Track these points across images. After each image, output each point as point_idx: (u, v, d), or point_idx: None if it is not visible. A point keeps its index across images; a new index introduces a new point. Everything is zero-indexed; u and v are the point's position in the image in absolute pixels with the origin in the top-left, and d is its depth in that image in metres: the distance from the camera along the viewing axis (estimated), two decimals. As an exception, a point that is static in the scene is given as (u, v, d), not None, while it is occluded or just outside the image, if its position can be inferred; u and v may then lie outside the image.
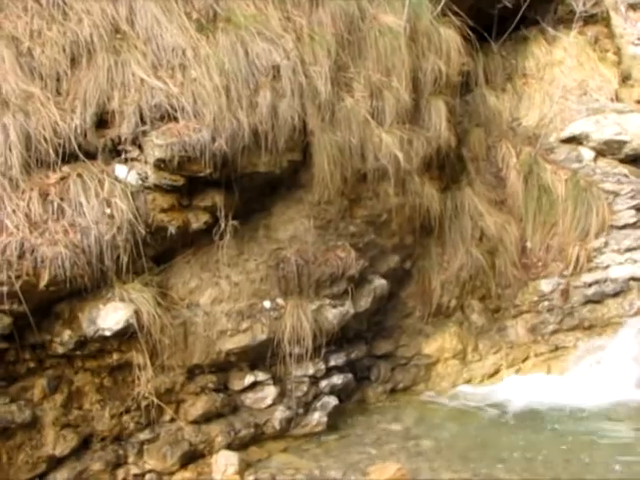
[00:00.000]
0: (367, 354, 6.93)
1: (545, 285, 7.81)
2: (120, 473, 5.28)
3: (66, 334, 5.01)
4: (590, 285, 7.84)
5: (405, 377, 7.28)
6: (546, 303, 7.81)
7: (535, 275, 7.92)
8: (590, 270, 7.87)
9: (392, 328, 7.23)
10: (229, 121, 5.34)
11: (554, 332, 7.83)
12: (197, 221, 5.50)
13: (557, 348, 7.83)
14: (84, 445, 5.21)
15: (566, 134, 8.41)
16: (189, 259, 5.66)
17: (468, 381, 7.49)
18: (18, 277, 4.64)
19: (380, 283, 6.67)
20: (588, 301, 7.84)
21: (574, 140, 8.38)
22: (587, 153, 8.32)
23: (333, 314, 6.05)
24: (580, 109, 8.57)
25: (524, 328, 7.79)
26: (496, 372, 7.63)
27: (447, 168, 7.49)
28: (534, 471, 5.45)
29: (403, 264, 7.15)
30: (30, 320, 4.76)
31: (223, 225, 5.51)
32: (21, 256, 4.66)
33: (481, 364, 7.59)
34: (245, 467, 5.42)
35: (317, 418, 6.11)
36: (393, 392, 7.15)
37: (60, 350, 5.03)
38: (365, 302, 6.47)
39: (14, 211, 4.79)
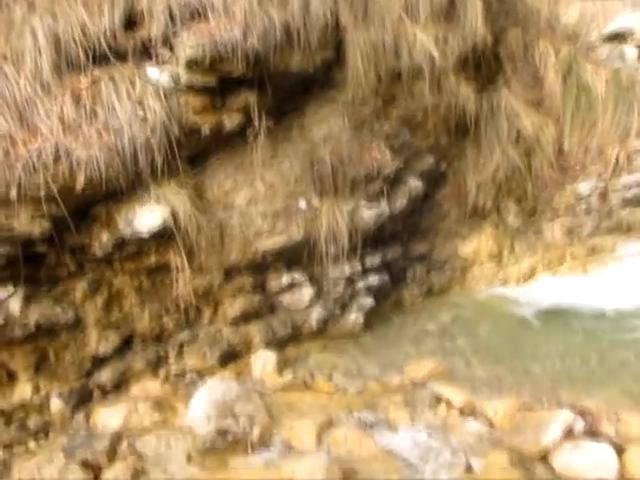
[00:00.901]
0: (403, 256, 6.93)
1: (583, 187, 7.67)
2: (161, 372, 5.41)
3: (104, 236, 5.08)
4: (630, 188, 7.68)
5: (440, 279, 7.28)
6: (583, 206, 7.69)
7: (573, 177, 7.77)
8: (630, 172, 7.69)
9: (427, 230, 7.21)
10: (260, 18, 5.21)
11: (591, 234, 7.74)
12: (231, 122, 5.44)
13: (594, 250, 7.74)
14: (126, 346, 5.34)
15: (608, 31, 8.11)
16: (223, 161, 5.63)
17: (504, 283, 7.48)
18: (55, 181, 4.68)
19: (415, 184, 6.61)
20: (627, 203, 7.70)
21: (617, 38, 8.08)
22: (631, 51, 8.02)
23: (369, 214, 6.03)
24: (624, 4, 8.23)
25: (560, 230, 7.70)
26: (532, 274, 7.59)
27: (483, 67, 7.28)
28: (568, 368, 5.49)
29: (438, 165, 7.06)
30: (69, 223, 4.83)
31: (257, 126, 5.47)
32: (57, 160, 4.68)
33: (517, 266, 7.55)
34: (283, 365, 5.51)
35: (354, 318, 6.18)
36: (429, 294, 7.18)
37: (99, 253, 5.10)
38: (400, 203, 6.43)
39: (48, 115, 4.79)
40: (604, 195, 7.69)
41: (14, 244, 4.67)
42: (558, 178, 7.73)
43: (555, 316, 6.75)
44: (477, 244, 7.42)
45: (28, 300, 4.84)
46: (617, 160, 7.63)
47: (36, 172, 4.62)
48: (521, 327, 6.51)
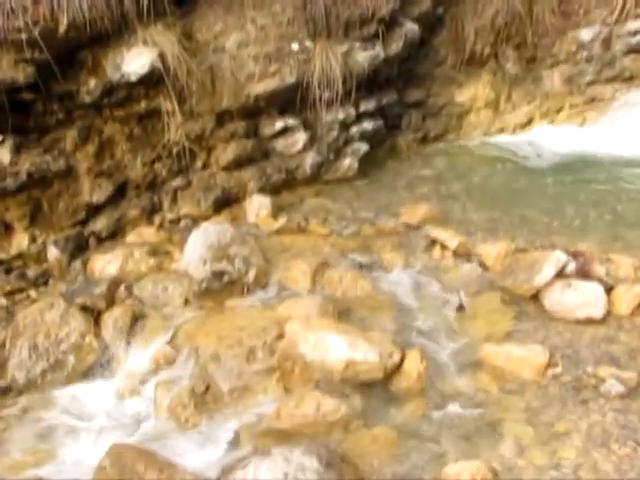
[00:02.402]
0: (398, 102, 6.79)
1: (585, 34, 7.44)
2: (156, 219, 5.42)
3: (92, 82, 4.95)
4: (635, 34, 7.43)
5: (436, 125, 7.19)
6: (585, 53, 7.49)
7: (575, 23, 7.51)
8: (636, 17, 7.42)
9: (423, 76, 7.05)
10: None
11: (591, 83, 7.59)
12: (218, -41, 5.19)
13: (593, 100, 7.61)
14: (120, 194, 5.31)
15: None
16: (212, 2, 5.41)
17: (500, 130, 7.41)
18: (36, 23, 4.50)
19: (411, 27, 6.39)
20: (631, 50, 7.48)
21: None
22: None
23: (363, 57, 5.85)
24: None
25: (560, 78, 7.54)
26: (529, 122, 7.51)
27: None
28: (563, 214, 5.48)
29: (435, 9, 6.80)
30: (54, 69, 4.68)
31: (246, -36, 5.22)
32: (36, 1, 4.47)
33: (514, 114, 7.45)
34: (277, 210, 5.51)
35: (348, 163, 6.13)
36: (424, 140, 7.11)
37: (87, 99, 4.99)
38: (396, 46, 6.23)
39: (24, -46, 4.53)
40: (607, 42, 7.47)
41: (-2, 91, 4.55)
42: (560, 24, 7.48)
43: (551, 164, 6.72)
44: (474, 91, 7.29)
45: (18, 149, 4.75)
46: (624, 4, 7.35)
47: (14, 15, 4.42)
48: (517, 174, 6.48)
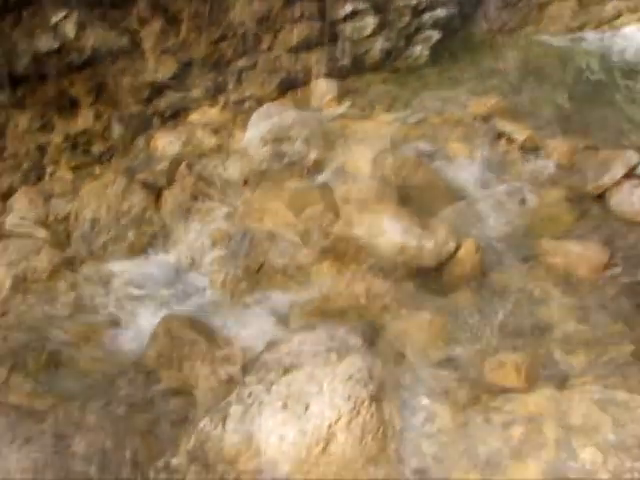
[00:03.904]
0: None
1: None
2: (220, 99, 5.37)
3: (159, -44, 4.85)
4: None
5: (514, 17, 6.83)
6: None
7: None
8: None
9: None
10: None
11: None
12: None
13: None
14: (184, 73, 5.26)
15: None
16: None
17: (583, 25, 6.99)
18: None
19: None
20: None
21: None
22: None
23: None
24: None
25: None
26: (616, 18, 7.07)
27: None
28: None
29: None
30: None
31: None
32: None
33: (600, 7, 7.02)
34: (343, 95, 5.39)
35: (418, 51, 5.93)
36: (500, 32, 6.79)
37: (154, -27, 4.89)
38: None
39: None
40: None
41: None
42: None
43: (636, 64, 6.36)
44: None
45: (82, 25, 4.72)
46: None
47: None
48: (597, 72, 6.16)
